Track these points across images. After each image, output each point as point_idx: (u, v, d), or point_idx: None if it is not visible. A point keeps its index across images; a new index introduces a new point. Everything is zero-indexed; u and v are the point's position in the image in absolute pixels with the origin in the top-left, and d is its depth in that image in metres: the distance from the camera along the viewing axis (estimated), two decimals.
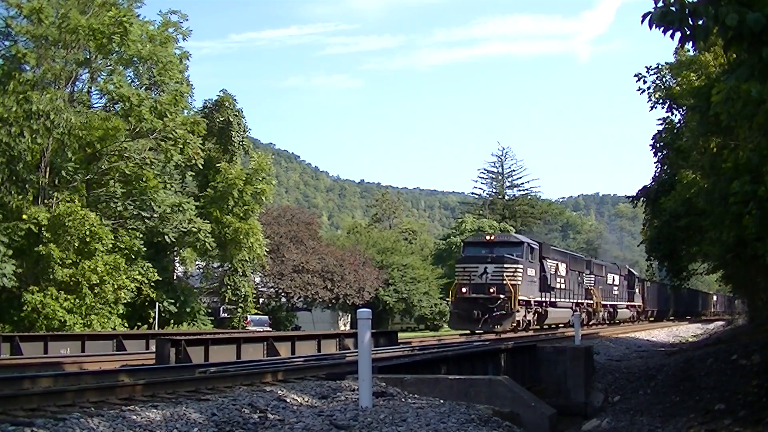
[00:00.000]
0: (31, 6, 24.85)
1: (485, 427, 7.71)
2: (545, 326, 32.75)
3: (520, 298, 27.73)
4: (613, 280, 45.08)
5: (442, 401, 8.86)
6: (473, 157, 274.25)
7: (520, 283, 27.91)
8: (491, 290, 27.37)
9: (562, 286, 34.12)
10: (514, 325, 27.76)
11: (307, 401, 8.45)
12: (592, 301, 38.99)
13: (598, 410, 14.87)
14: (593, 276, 40.27)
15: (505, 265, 27.95)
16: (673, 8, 5.64)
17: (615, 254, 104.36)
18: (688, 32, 5.71)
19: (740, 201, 10.45)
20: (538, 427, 9.26)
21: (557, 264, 33.68)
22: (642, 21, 5.72)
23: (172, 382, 8.78)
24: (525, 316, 28.97)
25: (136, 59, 27.72)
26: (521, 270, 28.36)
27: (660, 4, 5.69)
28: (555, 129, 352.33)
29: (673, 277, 28.13)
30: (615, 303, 44.73)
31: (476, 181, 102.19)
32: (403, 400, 8.95)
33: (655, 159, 23.52)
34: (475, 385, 9.66)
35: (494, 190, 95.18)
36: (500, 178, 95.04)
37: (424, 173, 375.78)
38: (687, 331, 42.02)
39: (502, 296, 27.25)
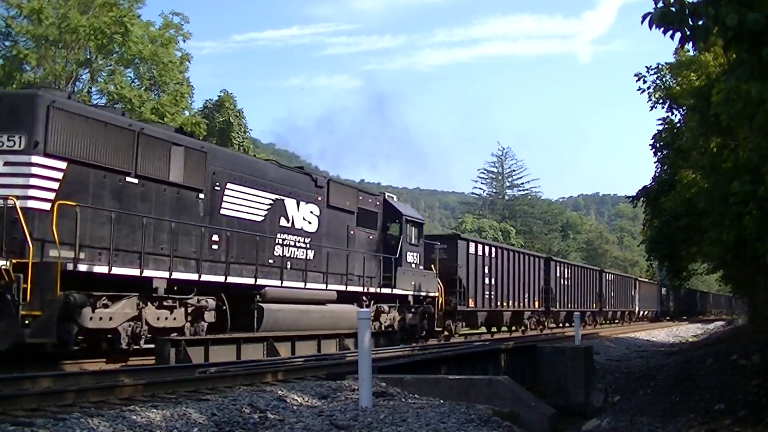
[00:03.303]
0: (31, 6, 24.84)
1: (485, 427, 7.71)
2: None
3: None
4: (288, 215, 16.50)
5: (442, 401, 8.86)
6: (473, 157, 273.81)
7: None
8: None
9: None
10: None
11: (307, 401, 8.46)
12: None
13: (598, 410, 14.87)
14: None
15: None
16: (673, 8, 5.63)
17: (615, 254, 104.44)
18: (688, 32, 5.70)
19: (740, 201, 10.42)
20: (538, 427, 9.27)
21: None
22: (642, 21, 5.72)
23: (172, 383, 8.78)
24: None
25: (136, 60, 27.72)
26: None
27: (660, 4, 5.69)
28: (555, 129, 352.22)
29: (673, 277, 28.10)
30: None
31: (476, 181, 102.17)
32: (403, 400, 8.95)
33: (655, 159, 23.46)
34: (475, 385, 9.67)
35: (494, 190, 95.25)
36: (500, 178, 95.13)
37: (424, 173, 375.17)
38: (687, 331, 42.15)
39: None
